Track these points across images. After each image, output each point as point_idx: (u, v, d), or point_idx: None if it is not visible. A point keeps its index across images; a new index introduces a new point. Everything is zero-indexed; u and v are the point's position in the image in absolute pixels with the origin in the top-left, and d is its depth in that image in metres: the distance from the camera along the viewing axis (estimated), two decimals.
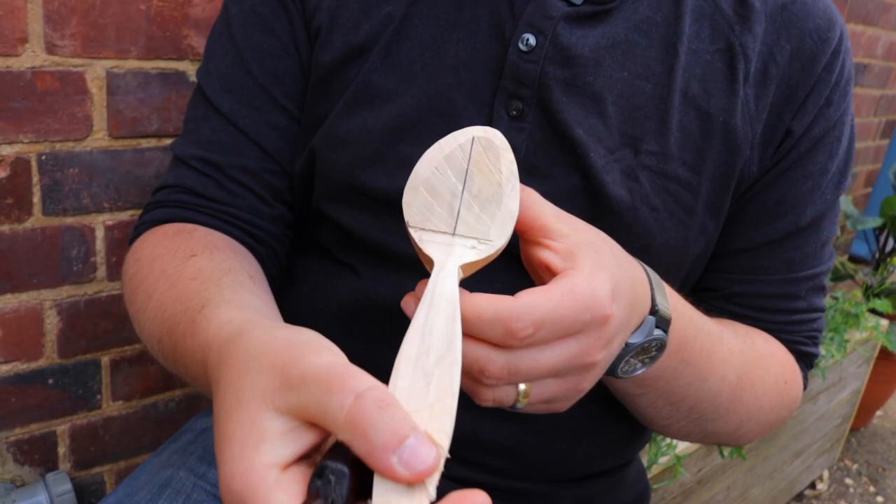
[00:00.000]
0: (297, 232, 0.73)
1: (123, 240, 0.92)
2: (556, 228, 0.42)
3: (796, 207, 0.64)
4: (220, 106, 0.65)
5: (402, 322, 0.38)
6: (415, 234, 0.40)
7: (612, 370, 0.50)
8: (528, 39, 0.59)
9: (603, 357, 0.43)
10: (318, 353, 0.35)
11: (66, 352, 0.92)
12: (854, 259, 2.76)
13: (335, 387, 0.32)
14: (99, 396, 0.96)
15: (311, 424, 0.34)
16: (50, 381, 0.91)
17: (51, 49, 0.80)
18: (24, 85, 0.79)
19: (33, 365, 0.89)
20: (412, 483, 0.30)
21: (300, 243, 0.73)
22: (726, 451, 1.33)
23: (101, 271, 0.91)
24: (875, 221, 2.12)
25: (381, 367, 0.36)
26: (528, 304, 0.38)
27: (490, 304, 0.38)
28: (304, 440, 0.34)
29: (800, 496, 2.09)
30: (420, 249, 0.39)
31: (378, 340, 0.57)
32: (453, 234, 0.39)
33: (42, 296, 0.88)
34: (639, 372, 0.51)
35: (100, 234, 0.90)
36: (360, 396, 0.31)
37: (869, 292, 1.87)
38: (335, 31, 0.63)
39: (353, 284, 0.66)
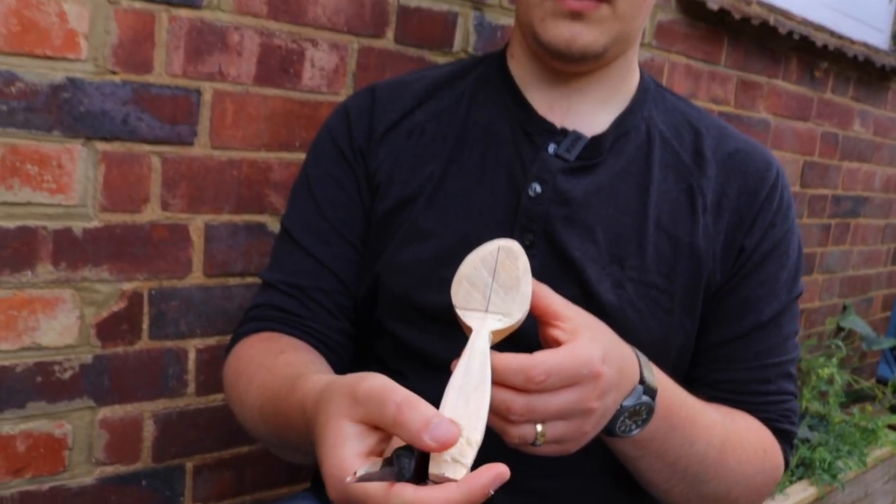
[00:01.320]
0: (358, 347, 0.90)
1: (211, 361, 1.10)
2: (563, 313, 0.60)
3: (756, 307, 0.81)
4: (302, 242, 0.85)
5: None
6: (459, 312, 0.57)
7: (612, 429, 0.65)
8: (535, 188, 0.78)
9: (599, 406, 0.59)
10: (374, 377, 0.52)
11: (158, 457, 1.08)
12: (882, 381, 2.81)
13: (384, 400, 0.49)
14: (182, 498, 1.11)
15: (375, 427, 0.51)
16: (143, 482, 1.07)
17: (165, 206, 1.02)
18: (143, 235, 1.01)
19: (131, 467, 1.05)
20: (441, 451, 0.46)
21: (359, 356, 0.90)
22: None
23: (192, 387, 1.09)
24: (889, 342, 2.22)
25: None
26: (542, 358, 0.55)
27: (514, 357, 0.55)
28: (372, 438, 0.51)
29: None
30: (463, 322, 0.57)
31: None
32: (486, 311, 0.57)
33: (143, 407, 1.05)
34: (634, 432, 0.66)
35: (192, 356, 1.08)
36: (399, 405, 0.48)
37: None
38: (390, 187, 0.83)
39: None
